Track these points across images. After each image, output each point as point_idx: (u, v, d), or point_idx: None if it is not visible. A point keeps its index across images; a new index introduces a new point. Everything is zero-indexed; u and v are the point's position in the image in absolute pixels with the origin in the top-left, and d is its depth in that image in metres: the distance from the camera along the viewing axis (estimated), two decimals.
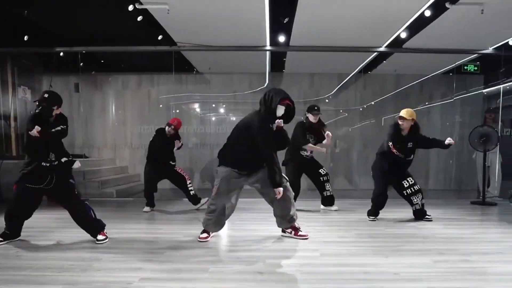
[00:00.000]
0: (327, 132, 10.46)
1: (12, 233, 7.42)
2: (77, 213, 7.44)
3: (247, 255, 6.55)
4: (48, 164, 7.20)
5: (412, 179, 9.48)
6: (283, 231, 8.03)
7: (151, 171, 10.92)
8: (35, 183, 7.20)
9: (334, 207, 10.99)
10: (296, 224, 7.87)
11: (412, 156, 9.40)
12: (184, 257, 6.40)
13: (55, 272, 5.65)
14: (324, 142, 10.66)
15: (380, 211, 9.68)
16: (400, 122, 9.11)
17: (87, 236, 7.46)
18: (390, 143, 9.20)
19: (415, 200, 9.47)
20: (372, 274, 5.61)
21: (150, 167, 10.98)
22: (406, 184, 9.41)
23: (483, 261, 6.27)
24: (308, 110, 10.51)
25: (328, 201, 11.01)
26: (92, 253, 6.60)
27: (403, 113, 9.12)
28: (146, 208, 10.80)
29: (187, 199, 11.03)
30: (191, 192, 10.90)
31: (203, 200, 10.87)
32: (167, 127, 10.83)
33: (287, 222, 7.84)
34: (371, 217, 9.62)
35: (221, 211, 7.60)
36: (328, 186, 10.91)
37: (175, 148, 10.99)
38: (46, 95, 7.15)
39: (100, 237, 7.38)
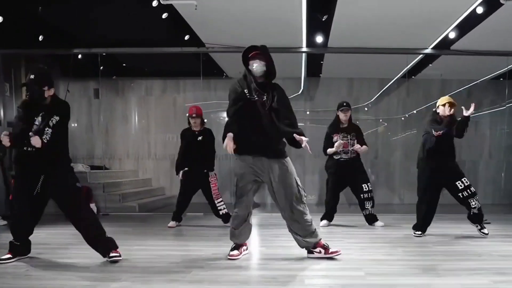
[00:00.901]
0: (356, 146, 10.30)
1: (21, 246, 7.06)
2: (86, 228, 7.03)
3: (282, 274, 6.17)
4: (32, 149, 6.58)
5: (467, 180, 9.09)
6: (310, 252, 7.39)
7: (186, 181, 10.58)
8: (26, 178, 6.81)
9: (379, 223, 10.66)
10: (323, 241, 7.32)
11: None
12: (213, 277, 6.06)
13: None
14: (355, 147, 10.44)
15: (427, 227, 9.31)
16: (449, 111, 8.87)
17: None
18: (436, 132, 8.85)
19: (473, 203, 9.04)
20: None
21: (184, 177, 10.60)
22: (461, 186, 9.00)
23: None
24: (337, 108, 10.56)
25: (370, 220, 10.73)
26: (110, 273, 6.25)
27: (447, 98, 9.13)
28: (172, 223, 10.53)
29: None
30: (220, 212, 10.52)
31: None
32: (190, 120, 10.48)
33: (307, 242, 7.28)
34: (417, 232, 9.29)
35: (243, 215, 7.29)
36: (368, 205, 10.59)
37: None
38: (32, 76, 6.65)
39: (113, 253, 6.91)
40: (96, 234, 7.00)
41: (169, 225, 10.48)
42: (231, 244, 7.42)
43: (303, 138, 6.94)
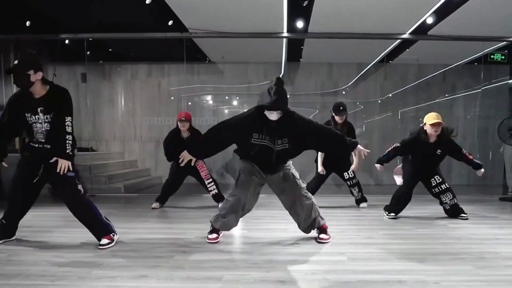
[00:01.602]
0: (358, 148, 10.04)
1: (7, 226, 6.90)
2: (81, 213, 6.80)
3: (265, 259, 5.98)
4: (37, 145, 6.44)
5: (440, 177, 9.18)
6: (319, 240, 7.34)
7: (175, 170, 10.49)
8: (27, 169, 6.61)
9: (362, 204, 10.76)
10: (322, 221, 7.27)
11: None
12: (195, 263, 5.83)
13: (47, 281, 5.08)
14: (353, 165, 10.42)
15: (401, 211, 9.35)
16: (434, 130, 8.64)
17: (90, 237, 6.89)
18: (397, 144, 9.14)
19: (443, 198, 9.15)
20: (409, 284, 5.03)
21: (174, 166, 10.46)
22: (434, 183, 9.15)
23: None
24: (332, 109, 10.26)
25: (357, 203, 10.86)
26: (93, 258, 6.01)
27: (435, 117, 8.68)
28: (155, 204, 10.39)
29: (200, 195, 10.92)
30: (211, 193, 10.52)
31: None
32: (179, 124, 10.21)
33: (310, 228, 7.30)
34: (391, 214, 9.28)
35: (235, 206, 7.00)
36: (354, 191, 10.75)
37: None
38: (16, 61, 6.23)
39: (103, 241, 6.69)
40: (89, 220, 6.79)
41: (152, 206, 10.35)
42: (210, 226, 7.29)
43: (362, 149, 7.01)
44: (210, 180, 10.46)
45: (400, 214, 9.28)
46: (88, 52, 14.07)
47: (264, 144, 6.56)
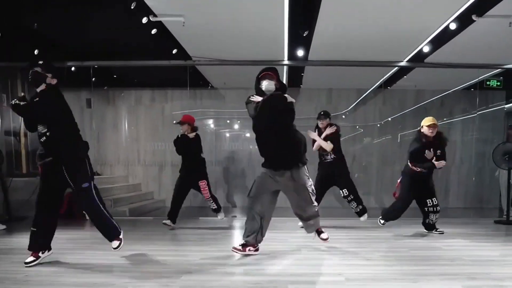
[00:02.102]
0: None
1: (38, 235, 7.10)
2: (95, 219, 7.26)
3: (266, 280, 6.26)
4: (42, 139, 6.79)
5: (436, 200, 9.72)
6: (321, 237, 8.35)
7: (180, 183, 10.75)
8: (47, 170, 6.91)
9: (362, 218, 11.12)
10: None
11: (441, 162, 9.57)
12: (200, 282, 6.13)
13: None
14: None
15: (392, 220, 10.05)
16: (430, 131, 9.29)
17: (100, 258, 7.34)
18: (409, 163, 9.65)
19: (432, 217, 9.81)
20: None
21: (180, 179, 10.79)
22: (430, 203, 9.64)
23: None
24: (317, 117, 10.95)
25: (358, 214, 11.18)
26: (105, 278, 6.33)
27: (431, 119, 9.35)
28: (167, 221, 10.64)
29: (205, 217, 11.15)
30: (211, 207, 11.02)
31: (220, 215, 11.13)
32: (181, 128, 10.61)
33: (311, 227, 8.12)
34: (381, 220, 10.27)
35: (254, 218, 7.77)
36: (353, 205, 11.05)
37: None
38: (40, 61, 6.81)
39: (115, 243, 7.21)
40: (102, 225, 7.27)
41: (164, 221, 10.59)
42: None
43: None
44: (211, 200, 10.97)
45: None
46: (93, 79, 14.28)
47: None
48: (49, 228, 7.22)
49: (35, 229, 7.04)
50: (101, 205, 7.19)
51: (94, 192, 7.12)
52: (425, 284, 6.03)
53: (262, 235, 7.94)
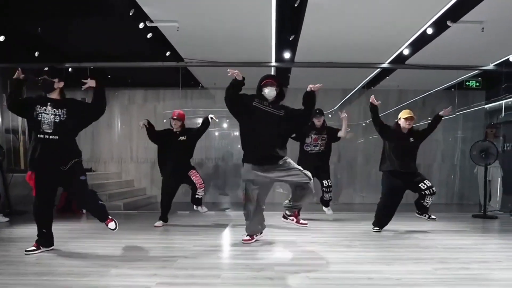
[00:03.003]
0: (343, 115, 11.35)
1: (46, 234, 7.59)
2: (92, 207, 7.91)
3: (256, 263, 6.83)
4: (43, 136, 7.15)
5: (429, 181, 9.62)
6: (284, 217, 8.79)
7: (167, 180, 10.63)
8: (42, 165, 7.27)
9: (328, 211, 11.89)
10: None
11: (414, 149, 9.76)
12: (196, 265, 6.66)
13: (75, 278, 5.91)
14: (340, 134, 11.45)
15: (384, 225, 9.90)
16: (408, 123, 9.51)
17: (101, 247, 7.84)
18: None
19: (428, 198, 9.67)
20: (376, 280, 5.89)
21: (165, 176, 10.70)
22: (424, 186, 9.52)
23: (483, 268, 6.54)
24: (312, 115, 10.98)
25: (323, 203, 11.85)
26: (108, 261, 6.84)
27: (409, 112, 9.63)
28: (158, 223, 10.56)
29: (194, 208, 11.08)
30: (196, 196, 10.76)
31: (201, 209, 11.00)
32: (171, 122, 10.62)
33: (294, 209, 8.61)
34: (375, 227, 9.87)
35: (254, 211, 8.21)
36: (326, 195, 11.64)
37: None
38: (46, 68, 7.27)
39: (111, 225, 7.83)
40: (95, 211, 7.88)
41: (155, 224, 10.53)
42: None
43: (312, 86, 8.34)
44: (203, 189, 10.72)
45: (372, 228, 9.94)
46: (46, 68, 14.47)
47: (260, 110, 8.08)
48: (50, 227, 7.69)
49: (45, 231, 7.56)
50: (93, 196, 8.05)
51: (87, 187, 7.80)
52: (399, 266, 6.60)
53: (262, 225, 8.58)
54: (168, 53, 12.86)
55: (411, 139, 9.55)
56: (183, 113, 10.77)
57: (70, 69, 14.14)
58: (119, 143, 17.83)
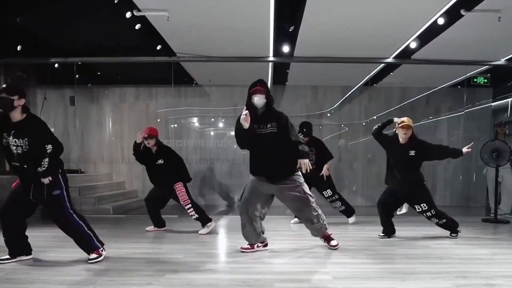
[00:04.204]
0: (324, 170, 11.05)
1: (18, 245, 7.24)
2: (69, 231, 7.20)
3: (253, 278, 6.18)
4: (17, 164, 6.84)
5: (426, 205, 9.20)
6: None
7: (153, 190, 10.40)
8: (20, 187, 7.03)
9: (350, 219, 11.37)
10: (329, 231, 8.29)
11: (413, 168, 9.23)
12: (186, 281, 6.05)
13: None
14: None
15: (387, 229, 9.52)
16: (403, 132, 9.00)
17: (83, 257, 7.19)
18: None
19: (433, 220, 9.33)
20: None
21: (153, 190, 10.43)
22: (419, 209, 9.21)
23: (510, 285, 5.92)
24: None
25: (345, 213, 11.38)
26: (87, 276, 6.26)
27: (407, 120, 9.10)
28: (149, 227, 10.38)
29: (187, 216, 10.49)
30: (193, 217, 10.15)
31: (210, 224, 10.14)
32: (144, 141, 9.96)
33: (316, 231, 8.17)
34: (381, 233, 9.51)
35: (250, 221, 7.94)
36: (336, 205, 11.26)
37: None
38: (4, 85, 7.01)
39: (93, 255, 7.10)
40: (77, 236, 7.18)
41: (147, 229, 10.32)
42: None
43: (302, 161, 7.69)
44: (189, 206, 10.10)
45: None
46: (77, 76, 14.23)
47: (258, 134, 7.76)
48: (16, 235, 7.24)
49: (5, 239, 7.14)
50: (73, 216, 7.17)
51: (66, 199, 7.15)
52: (414, 283, 5.96)
53: (262, 232, 8.18)
54: (159, 47, 12.43)
55: (411, 153, 9.02)
56: (155, 129, 10.24)
57: (56, 65, 13.84)
58: (109, 143, 17.44)
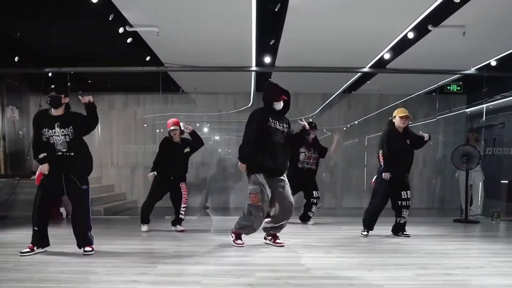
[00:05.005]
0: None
1: (41, 234, 7.80)
2: (78, 221, 7.88)
3: (236, 269, 6.78)
4: (60, 153, 7.60)
5: (410, 193, 9.83)
6: (265, 238, 8.86)
7: (157, 185, 10.50)
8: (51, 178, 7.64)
9: (310, 222, 11.75)
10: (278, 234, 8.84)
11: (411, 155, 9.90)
12: (176, 271, 6.63)
13: (54, 284, 5.87)
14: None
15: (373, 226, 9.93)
16: (402, 122, 9.57)
17: (80, 253, 7.78)
18: (380, 152, 9.72)
19: (403, 213, 9.80)
20: (357, 286, 5.88)
21: (157, 181, 10.51)
22: (404, 195, 9.73)
23: (465, 274, 6.55)
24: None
25: (305, 218, 11.77)
26: (88, 267, 6.80)
27: (404, 111, 9.67)
28: (144, 228, 10.53)
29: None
30: (181, 216, 10.53)
31: (179, 227, 10.57)
32: (170, 133, 10.45)
33: (275, 230, 8.67)
34: (363, 232, 9.92)
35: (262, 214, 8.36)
36: (314, 208, 11.64)
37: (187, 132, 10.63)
38: (52, 86, 7.67)
39: (88, 248, 7.78)
40: (84, 230, 7.86)
41: (143, 229, 10.46)
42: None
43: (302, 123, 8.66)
44: (186, 205, 10.58)
45: (360, 233, 9.96)
46: (52, 86, 14.41)
47: (274, 129, 8.37)
48: (46, 227, 7.84)
49: (37, 229, 7.72)
50: (89, 213, 7.97)
51: (89, 195, 8.00)
52: (380, 272, 6.59)
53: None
54: (148, 58, 12.81)
55: (408, 141, 9.67)
56: (177, 120, 10.64)
57: (50, 74, 14.08)
58: (99, 148, 17.47)
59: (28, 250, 7.66)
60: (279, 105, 8.47)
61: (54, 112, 7.73)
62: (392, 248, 8.57)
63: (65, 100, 7.80)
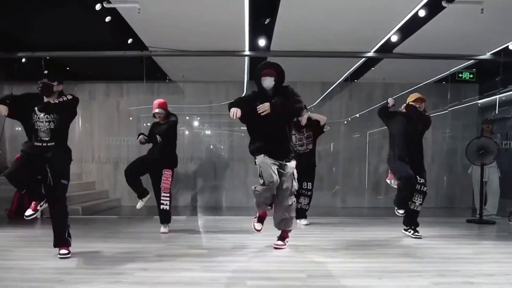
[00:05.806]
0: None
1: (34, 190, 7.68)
2: (57, 217, 7.50)
3: (225, 276, 6.30)
4: (40, 144, 7.32)
5: (425, 180, 9.46)
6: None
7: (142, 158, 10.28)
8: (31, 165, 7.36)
9: (303, 221, 11.23)
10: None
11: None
12: (155, 279, 6.17)
13: None
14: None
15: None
16: (418, 106, 9.31)
17: (50, 256, 7.35)
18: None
19: (416, 197, 9.45)
20: None
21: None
22: (420, 180, 9.39)
23: (490, 283, 6.06)
24: None
25: (298, 214, 10.92)
26: (55, 274, 6.35)
27: (415, 94, 9.55)
28: (164, 229, 10.01)
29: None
30: (161, 207, 9.94)
31: (163, 228, 10.07)
32: (155, 115, 10.26)
33: (282, 225, 8.31)
34: (400, 211, 9.54)
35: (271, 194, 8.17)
36: (302, 200, 11.17)
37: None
38: (45, 72, 7.75)
39: (63, 251, 7.41)
40: (61, 228, 7.50)
41: (137, 207, 10.16)
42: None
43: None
44: (168, 194, 9.97)
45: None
46: (45, 72, 14.11)
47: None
48: (35, 184, 7.58)
49: (26, 190, 7.67)
50: (66, 210, 7.65)
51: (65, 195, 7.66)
52: (391, 281, 6.11)
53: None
54: (130, 40, 12.42)
55: (420, 127, 9.47)
56: (164, 101, 10.43)
57: (23, 60, 13.81)
58: (79, 142, 17.24)
59: (31, 212, 7.65)
60: (266, 81, 8.18)
61: (46, 99, 7.50)
62: (404, 252, 8.09)
63: (58, 88, 7.60)
